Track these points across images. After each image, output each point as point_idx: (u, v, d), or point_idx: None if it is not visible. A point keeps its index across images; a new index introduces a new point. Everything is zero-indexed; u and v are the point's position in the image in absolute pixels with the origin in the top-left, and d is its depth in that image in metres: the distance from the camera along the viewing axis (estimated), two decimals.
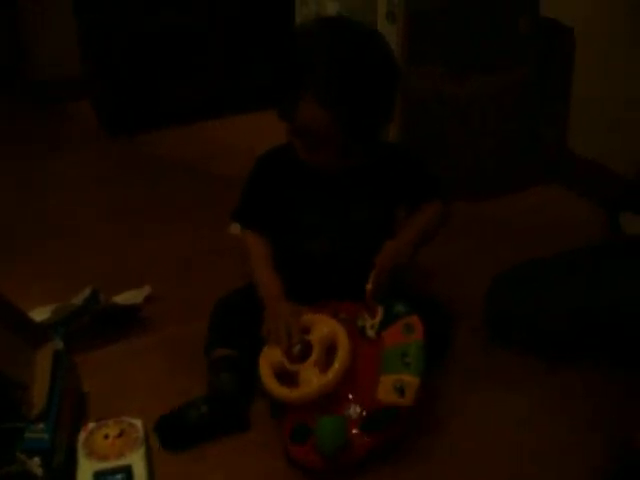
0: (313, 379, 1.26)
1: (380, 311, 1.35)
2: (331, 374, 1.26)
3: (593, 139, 2.07)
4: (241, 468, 1.27)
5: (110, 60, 2.47)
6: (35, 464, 1.12)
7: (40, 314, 1.49)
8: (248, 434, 1.32)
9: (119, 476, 1.15)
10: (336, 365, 1.27)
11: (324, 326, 1.34)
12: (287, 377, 1.30)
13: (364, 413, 1.24)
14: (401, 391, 1.23)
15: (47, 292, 1.64)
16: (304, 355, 1.30)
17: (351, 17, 2.06)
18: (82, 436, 1.23)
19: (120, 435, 1.22)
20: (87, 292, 1.53)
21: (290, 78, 1.30)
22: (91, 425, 1.25)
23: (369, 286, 1.35)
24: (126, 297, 1.60)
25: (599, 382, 1.45)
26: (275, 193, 1.45)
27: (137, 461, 1.18)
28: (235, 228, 1.94)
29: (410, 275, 1.49)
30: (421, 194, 1.48)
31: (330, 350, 1.31)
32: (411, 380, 1.24)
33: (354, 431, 1.22)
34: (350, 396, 1.26)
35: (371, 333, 1.34)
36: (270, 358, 1.32)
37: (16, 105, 2.76)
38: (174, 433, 1.30)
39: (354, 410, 1.25)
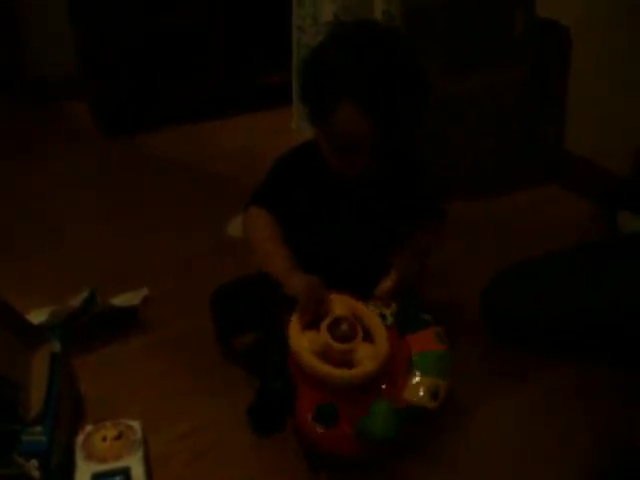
0: (369, 355, 1.24)
1: (394, 303, 1.35)
2: (382, 347, 1.25)
3: (590, 138, 2.07)
4: (239, 469, 1.27)
5: (108, 60, 2.46)
6: (33, 467, 1.11)
7: (38, 316, 1.49)
8: (245, 435, 1.32)
9: (117, 478, 1.15)
10: (382, 339, 1.26)
11: (342, 303, 1.30)
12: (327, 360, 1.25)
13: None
14: (435, 394, 1.24)
15: (45, 294, 1.63)
16: (350, 335, 1.26)
17: (348, 16, 2.06)
18: (80, 438, 1.23)
19: (118, 437, 1.22)
20: (85, 294, 1.52)
21: (327, 84, 1.28)
22: (89, 427, 1.25)
23: (388, 284, 1.34)
24: (124, 299, 1.59)
25: (599, 381, 1.45)
26: (289, 194, 1.43)
27: (135, 463, 1.18)
28: (232, 229, 1.95)
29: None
30: (423, 212, 1.48)
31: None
32: (444, 385, 1.25)
33: None
34: (378, 388, 1.24)
35: (390, 320, 1.33)
36: (309, 344, 1.24)
37: (15, 104, 2.75)
38: (268, 416, 1.32)
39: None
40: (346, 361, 1.24)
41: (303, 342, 1.25)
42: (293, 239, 1.46)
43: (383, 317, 1.33)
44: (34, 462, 1.12)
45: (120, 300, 1.58)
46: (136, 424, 1.25)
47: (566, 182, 2.14)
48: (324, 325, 1.26)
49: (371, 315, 1.31)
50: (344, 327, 1.26)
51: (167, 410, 1.38)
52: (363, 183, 1.38)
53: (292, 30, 2.38)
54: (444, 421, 1.35)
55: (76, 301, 1.51)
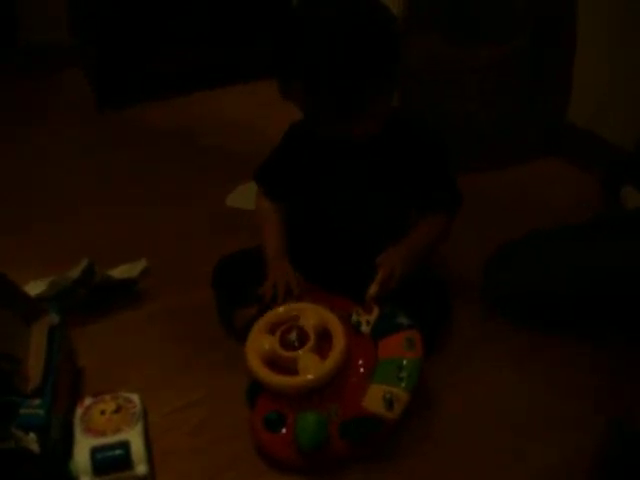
0: (311, 366, 1.23)
1: (376, 309, 1.32)
2: (331, 360, 1.23)
3: (594, 111, 2.03)
4: (239, 442, 1.26)
5: (102, 31, 2.44)
6: (31, 440, 1.10)
7: (35, 288, 1.48)
8: (243, 409, 1.30)
9: (117, 451, 1.14)
10: (335, 352, 1.24)
11: (315, 313, 1.31)
12: (275, 366, 1.26)
13: (344, 417, 1.20)
14: (390, 404, 1.19)
15: (42, 265, 1.63)
16: (297, 343, 1.26)
17: None
18: (79, 412, 1.22)
19: (117, 410, 1.21)
20: (83, 265, 1.51)
21: (282, 58, 1.25)
22: (87, 400, 1.24)
23: (374, 288, 1.33)
24: (122, 270, 1.58)
25: (600, 358, 1.42)
26: (300, 161, 1.42)
27: (135, 436, 1.17)
28: (231, 201, 1.94)
29: None
30: (436, 200, 1.45)
31: (323, 338, 1.28)
32: (402, 394, 1.20)
33: (333, 433, 1.19)
34: (334, 395, 1.22)
35: (366, 329, 1.31)
36: (259, 347, 1.27)
37: (13, 73, 2.72)
38: None
39: (335, 412, 1.21)
40: (291, 369, 1.24)
41: (256, 344, 1.27)
42: (304, 213, 1.45)
43: (358, 326, 1.32)
44: (32, 435, 1.11)
45: (118, 272, 1.57)
46: (135, 397, 1.24)
47: (568, 156, 2.11)
48: (279, 331, 1.28)
49: (336, 325, 1.29)
50: (291, 336, 1.27)
51: (166, 383, 1.38)
52: (371, 148, 1.36)
53: None
54: (439, 394, 1.34)
55: (74, 272, 1.50)
